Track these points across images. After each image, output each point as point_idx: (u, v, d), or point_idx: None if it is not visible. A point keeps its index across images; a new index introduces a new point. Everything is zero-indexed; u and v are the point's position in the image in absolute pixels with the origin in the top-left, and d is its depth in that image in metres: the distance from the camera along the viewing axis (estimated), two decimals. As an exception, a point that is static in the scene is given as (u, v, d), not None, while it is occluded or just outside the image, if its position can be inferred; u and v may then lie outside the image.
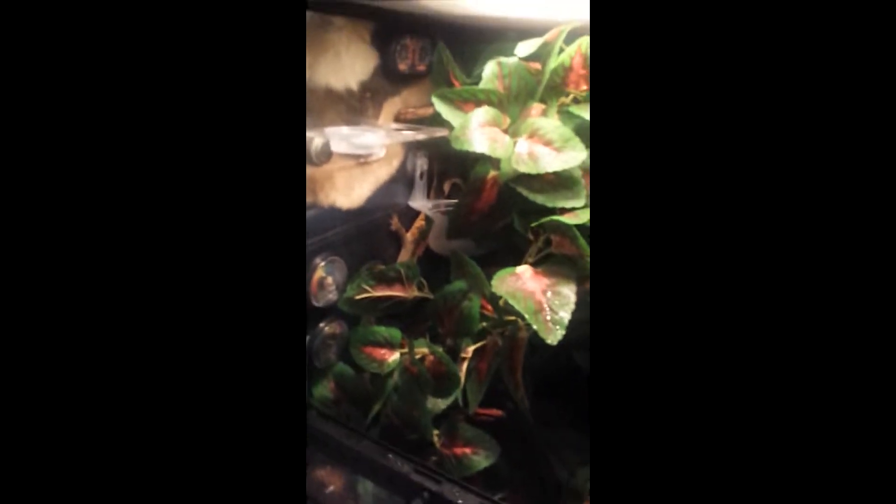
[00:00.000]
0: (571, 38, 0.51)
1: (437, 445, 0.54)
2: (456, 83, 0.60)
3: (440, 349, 0.54)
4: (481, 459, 0.52)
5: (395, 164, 0.65)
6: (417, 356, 0.54)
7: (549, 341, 0.45)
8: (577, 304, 0.46)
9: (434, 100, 0.54)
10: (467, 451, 0.53)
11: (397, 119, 0.64)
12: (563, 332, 0.45)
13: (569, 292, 0.47)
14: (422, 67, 0.63)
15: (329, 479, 0.50)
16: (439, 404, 0.54)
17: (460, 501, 0.44)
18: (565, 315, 0.46)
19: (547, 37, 0.52)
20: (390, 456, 0.49)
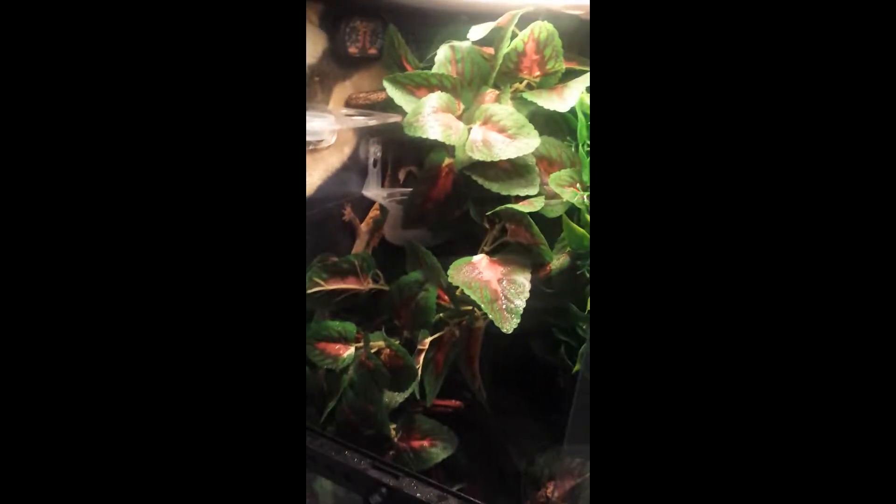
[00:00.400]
0: (524, 22, 0.50)
1: (395, 439, 0.53)
2: (408, 67, 0.59)
3: (397, 342, 0.52)
4: (439, 451, 0.51)
5: (347, 151, 0.63)
6: (373, 350, 0.53)
7: (505, 330, 0.45)
8: (532, 292, 0.46)
9: (386, 84, 0.52)
10: (425, 443, 0.52)
11: (348, 104, 0.61)
12: (519, 321, 0.45)
13: (524, 280, 0.47)
14: (373, 51, 0.60)
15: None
16: (396, 398, 0.53)
17: (419, 495, 0.43)
18: (520, 303, 0.46)
19: (499, 21, 0.51)
20: (347, 452, 0.47)
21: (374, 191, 0.66)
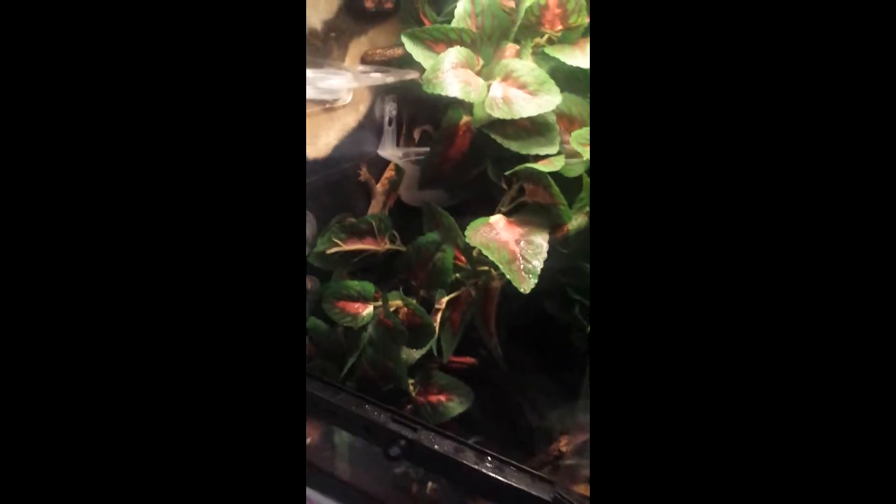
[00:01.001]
0: (547, -28, 0.48)
1: (413, 394, 0.54)
2: (426, 21, 0.57)
3: (414, 301, 0.53)
4: (455, 406, 0.53)
5: (363, 109, 0.62)
6: (391, 309, 0.54)
7: (522, 290, 0.45)
8: (549, 252, 0.46)
9: (403, 39, 0.51)
10: (442, 398, 0.54)
11: (364, 61, 0.60)
12: (536, 281, 0.45)
13: (541, 241, 0.47)
14: (389, 5, 0.59)
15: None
16: (413, 355, 0.54)
17: (436, 447, 0.45)
18: (538, 264, 0.46)
19: (522, -29, 0.49)
20: (367, 406, 0.49)
21: (389, 151, 0.65)
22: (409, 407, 0.54)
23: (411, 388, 0.54)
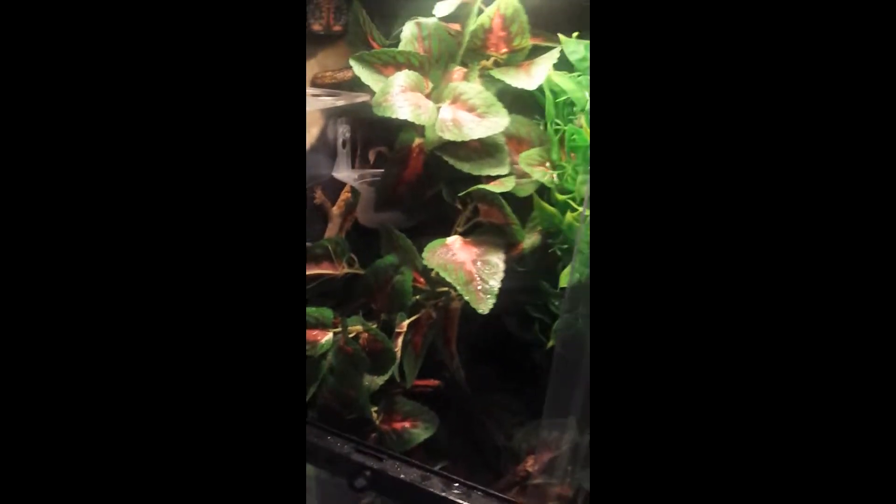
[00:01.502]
0: (490, -3, 0.49)
1: (377, 422, 0.53)
2: (374, 45, 0.57)
3: (374, 326, 0.52)
4: (421, 432, 0.52)
5: (315, 132, 0.61)
6: (351, 335, 0.53)
7: (480, 310, 0.45)
8: (505, 271, 0.47)
9: (352, 63, 0.51)
10: (406, 424, 0.53)
11: (314, 83, 0.60)
12: (494, 301, 0.46)
13: (497, 261, 0.47)
14: (338, 28, 0.58)
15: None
16: (376, 381, 0.53)
17: (403, 475, 0.44)
18: (495, 284, 0.46)
19: (465, -4, 0.50)
20: (329, 437, 0.48)
21: (344, 172, 0.64)
22: (373, 435, 0.53)
23: (375, 416, 0.53)
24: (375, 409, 0.54)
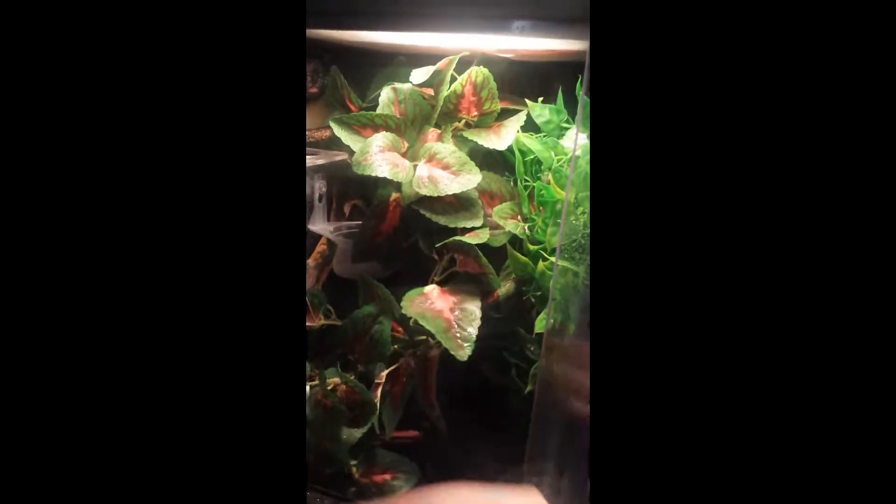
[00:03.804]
0: (459, 65, 0.53)
1: (356, 476, 0.52)
2: (352, 107, 0.60)
3: (352, 377, 0.53)
4: (401, 483, 0.52)
5: (292, 188, 0.62)
6: (329, 387, 0.53)
7: (459, 357, 0.47)
8: (481, 318, 0.48)
9: (332, 125, 0.54)
10: (387, 477, 0.52)
11: (292, 142, 0.62)
12: (472, 348, 0.47)
13: (474, 308, 0.49)
14: (314, 89, 0.62)
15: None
16: (355, 433, 0.53)
17: (384, 530, 0.43)
18: (473, 331, 0.48)
19: (439, 65, 0.54)
20: (308, 493, 0.47)
21: (320, 225, 0.66)
22: (352, 490, 0.52)
23: (354, 469, 0.52)
24: (354, 462, 0.53)
